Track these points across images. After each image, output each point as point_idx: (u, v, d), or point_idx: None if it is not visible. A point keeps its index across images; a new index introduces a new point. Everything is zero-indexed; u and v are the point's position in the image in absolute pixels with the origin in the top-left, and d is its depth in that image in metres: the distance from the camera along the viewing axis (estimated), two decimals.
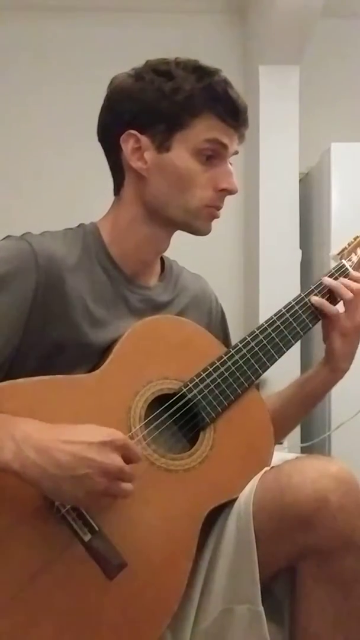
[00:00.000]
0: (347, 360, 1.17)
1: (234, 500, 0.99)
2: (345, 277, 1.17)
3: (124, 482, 0.86)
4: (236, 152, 1.08)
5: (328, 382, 1.19)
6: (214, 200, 1.06)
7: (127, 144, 1.04)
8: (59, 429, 0.87)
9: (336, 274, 1.17)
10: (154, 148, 1.04)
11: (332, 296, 1.16)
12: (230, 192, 1.07)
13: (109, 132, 1.08)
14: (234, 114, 1.04)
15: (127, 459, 0.87)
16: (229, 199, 1.09)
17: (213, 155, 1.04)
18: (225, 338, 1.26)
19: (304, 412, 1.23)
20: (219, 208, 1.08)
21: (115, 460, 0.85)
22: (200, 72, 1.03)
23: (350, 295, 1.13)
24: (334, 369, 1.17)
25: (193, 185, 1.04)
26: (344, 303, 1.14)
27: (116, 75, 1.09)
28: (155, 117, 1.03)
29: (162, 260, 1.19)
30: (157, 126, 1.03)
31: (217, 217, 1.08)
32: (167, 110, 1.02)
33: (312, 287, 1.16)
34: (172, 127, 1.03)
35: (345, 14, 3.18)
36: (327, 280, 1.15)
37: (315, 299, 1.14)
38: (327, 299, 1.15)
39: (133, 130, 1.04)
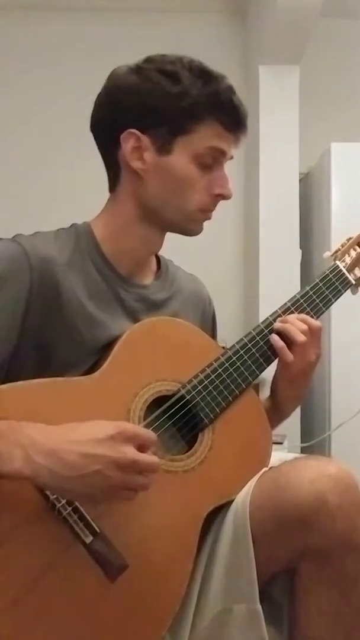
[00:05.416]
0: (292, 404, 1.15)
1: (232, 500, 0.99)
2: (339, 277, 1.18)
3: (140, 475, 0.84)
4: (231, 157, 1.08)
5: (275, 421, 1.16)
6: (208, 204, 1.07)
7: (127, 142, 1.03)
8: (64, 429, 0.85)
9: (330, 275, 1.18)
10: (154, 149, 1.03)
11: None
12: (225, 197, 1.07)
13: (108, 127, 1.06)
14: (237, 122, 1.05)
15: (141, 447, 0.85)
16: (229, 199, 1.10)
17: (211, 161, 1.05)
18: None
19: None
20: (211, 211, 1.09)
21: (127, 452, 0.82)
22: (207, 77, 1.03)
23: (302, 338, 1.08)
24: (278, 411, 1.15)
25: (191, 189, 1.05)
26: (294, 346, 1.08)
27: (116, 69, 1.07)
28: (159, 120, 1.02)
29: (157, 259, 1.19)
30: (159, 128, 1.02)
31: (209, 219, 1.09)
32: (172, 114, 1.01)
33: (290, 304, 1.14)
34: (175, 131, 1.02)
35: (345, 14, 3.18)
36: (278, 325, 1.10)
37: (275, 339, 1.09)
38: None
39: (134, 130, 1.03)
